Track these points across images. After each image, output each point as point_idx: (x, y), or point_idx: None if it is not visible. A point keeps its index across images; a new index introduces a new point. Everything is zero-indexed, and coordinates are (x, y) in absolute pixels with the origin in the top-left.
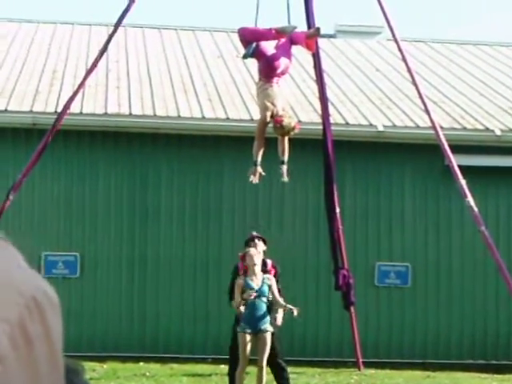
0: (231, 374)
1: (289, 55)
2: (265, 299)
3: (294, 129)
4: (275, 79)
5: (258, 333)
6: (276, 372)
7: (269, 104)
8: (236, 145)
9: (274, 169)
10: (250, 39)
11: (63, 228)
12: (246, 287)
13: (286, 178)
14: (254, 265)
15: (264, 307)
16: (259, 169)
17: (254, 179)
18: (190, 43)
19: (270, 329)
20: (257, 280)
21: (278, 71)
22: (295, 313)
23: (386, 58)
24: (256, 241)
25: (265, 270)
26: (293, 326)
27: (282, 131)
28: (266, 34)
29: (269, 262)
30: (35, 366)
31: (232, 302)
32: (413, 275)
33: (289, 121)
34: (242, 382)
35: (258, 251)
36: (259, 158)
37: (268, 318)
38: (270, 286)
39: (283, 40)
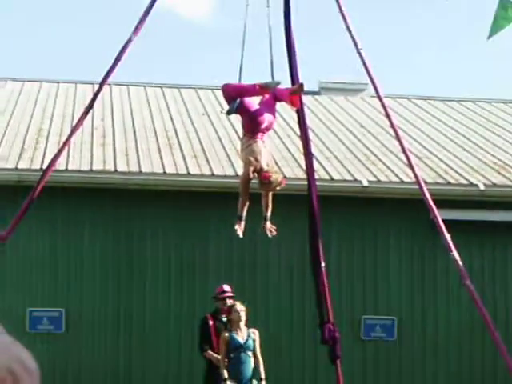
0: None
1: (273, 111)
2: (250, 353)
3: (280, 184)
4: (259, 135)
5: None
6: None
7: (252, 159)
8: (221, 201)
9: (260, 224)
10: (234, 95)
11: (48, 284)
12: (232, 342)
13: (269, 234)
14: (241, 321)
15: (250, 362)
16: (243, 223)
17: (240, 232)
18: (175, 100)
19: (254, 383)
20: (242, 334)
21: (262, 127)
22: None
23: (369, 114)
24: (227, 300)
25: (231, 320)
26: (279, 379)
27: (270, 187)
28: (250, 90)
29: None
30: None
31: (205, 353)
32: (399, 328)
33: (276, 176)
34: None
35: (243, 307)
36: (244, 214)
37: (251, 373)
38: (254, 341)
39: (267, 96)
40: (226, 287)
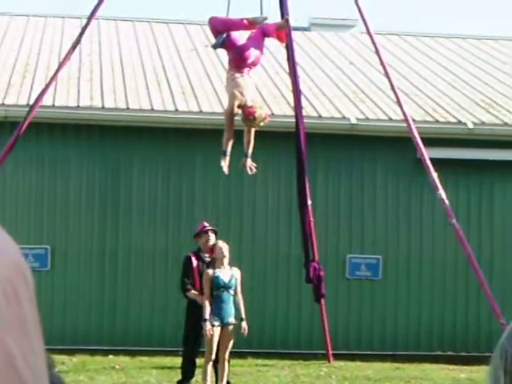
0: (187, 366)
1: (260, 47)
2: (232, 292)
3: (264, 120)
4: (246, 70)
5: (224, 326)
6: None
7: (237, 93)
8: (208, 137)
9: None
10: (221, 29)
11: (34, 221)
12: (216, 280)
13: (249, 172)
14: (224, 257)
15: (231, 300)
16: (228, 159)
17: (225, 168)
18: (164, 36)
19: (234, 322)
20: (225, 273)
21: (249, 62)
22: (244, 330)
23: (359, 50)
24: (209, 233)
25: (214, 259)
26: (263, 318)
27: (254, 123)
28: (237, 24)
29: None
30: (24, 322)
31: (188, 293)
32: (383, 268)
33: (260, 112)
34: (206, 374)
35: (225, 244)
36: (229, 149)
37: (233, 311)
38: (236, 280)
39: (255, 31)
40: (206, 223)
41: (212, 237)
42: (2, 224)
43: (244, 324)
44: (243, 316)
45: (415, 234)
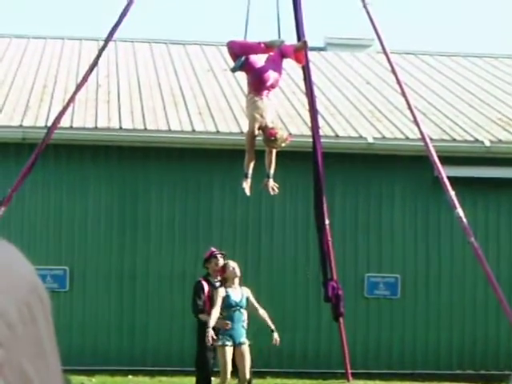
0: None
1: (279, 69)
2: (243, 311)
3: (285, 140)
4: (265, 92)
5: (237, 346)
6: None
7: (257, 116)
8: (226, 158)
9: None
10: (239, 52)
11: (53, 242)
12: (228, 300)
13: (272, 192)
14: (236, 276)
15: (243, 319)
16: (249, 181)
17: (247, 190)
18: (180, 57)
19: (247, 341)
20: (236, 292)
21: (268, 84)
22: (276, 341)
23: (375, 70)
24: (218, 257)
25: (225, 279)
26: (282, 337)
27: (275, 144)
28: (255, 48)
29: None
30: (41, 343)
31: (200, 316)
32: (402, 286)
33: (281, 133)
34: None
35: (236, 264)
36: (250, 171)
37: (245, 331)
38: (247, 298)
39: (273, 53)
40: (214, 249)
41: (221, 261)
42: (20, 245)
43: (276, 335)
44: (272, 327)
45: (433, 252)
